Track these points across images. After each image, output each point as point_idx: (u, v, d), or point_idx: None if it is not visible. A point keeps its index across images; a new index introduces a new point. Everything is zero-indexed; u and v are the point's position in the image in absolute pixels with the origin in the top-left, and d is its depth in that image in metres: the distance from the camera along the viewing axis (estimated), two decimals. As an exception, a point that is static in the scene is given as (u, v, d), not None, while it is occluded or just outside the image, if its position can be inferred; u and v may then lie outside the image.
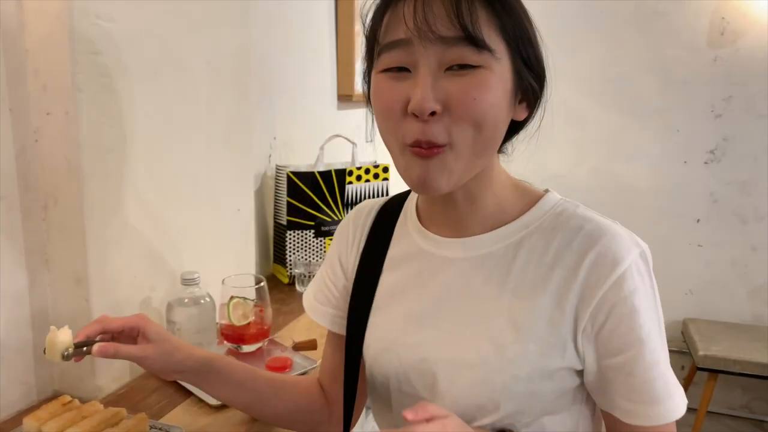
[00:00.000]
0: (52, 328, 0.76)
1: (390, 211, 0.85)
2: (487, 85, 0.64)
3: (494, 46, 0.64)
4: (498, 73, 0.65)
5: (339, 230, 0.90)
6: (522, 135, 0.76)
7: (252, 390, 0.86)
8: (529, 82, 0.69)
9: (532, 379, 0.69)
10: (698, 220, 2.97)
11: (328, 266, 0.89)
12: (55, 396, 1.04)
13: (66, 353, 0.76)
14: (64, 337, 0.76)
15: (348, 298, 0.86)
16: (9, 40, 0.94)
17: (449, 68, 0.64)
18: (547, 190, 0.77)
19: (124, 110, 1.04)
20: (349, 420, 0.86)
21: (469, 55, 0.63)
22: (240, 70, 1.37)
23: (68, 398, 0.92)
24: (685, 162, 2.94)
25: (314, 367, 1.14)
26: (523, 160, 0.82)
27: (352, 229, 0.87)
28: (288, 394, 0.89)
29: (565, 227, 0.71)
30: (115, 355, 0.78)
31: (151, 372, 0.87)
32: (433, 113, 0.63)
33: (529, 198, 0.75)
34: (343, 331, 0.87)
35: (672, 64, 2.88)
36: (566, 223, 0.71)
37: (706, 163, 2.91)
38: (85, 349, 0.77)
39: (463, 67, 0.64)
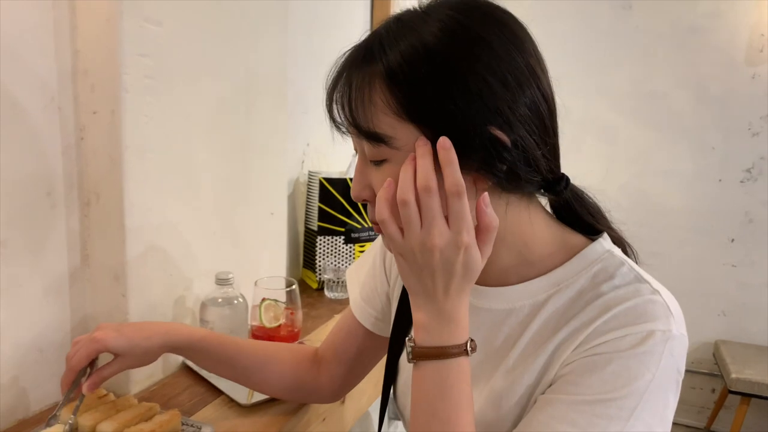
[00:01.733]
0: None
1: None
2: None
3: (394, 133, 0.59)
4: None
5: None
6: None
7: (233, 366, 0.91)
8: (471, 155, 0.58)
9: None
10: (732, 240, 2.91)
11: (373, 267, 0.90)
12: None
13: (67, 428, 0.82)
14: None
15: (386, 303, 0.88)
16: (61, 41, 0.97)
17: None
18: (594, 238, 0.68)
19: (166, 112, 1.06)
20: (383, 418, 0.89)
21: (370, 149, 0.61)
22: (277, 77, 1.39)
23: (104, 392, 0.94)
24: (720, 180, 2.90)
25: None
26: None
27: None
28: (274, 367, 0.92)
29: (594, 291, 0.63)
30: (103, 381, 0.84)
31: None
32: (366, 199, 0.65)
33: (569, 250, 0.67)
34: (376, 330, 0.89)
35: (708, 80, 2.84)
36: (597, 286, 0.63)
37: (742, 182, 2.86)
38: (79, 398, 0.84)
39: (373, 161, 0.62)
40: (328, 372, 0.93)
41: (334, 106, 0.64)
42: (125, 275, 1.02)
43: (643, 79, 2.96)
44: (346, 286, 1.62)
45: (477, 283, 0.69)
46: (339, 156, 1.89)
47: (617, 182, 3.08)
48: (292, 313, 1.23)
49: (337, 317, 1.50)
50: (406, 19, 0.60)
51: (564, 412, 0.57)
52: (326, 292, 1.64)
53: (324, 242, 1.68)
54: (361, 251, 1.72)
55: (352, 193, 0.66)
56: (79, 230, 1.03)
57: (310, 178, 1.71)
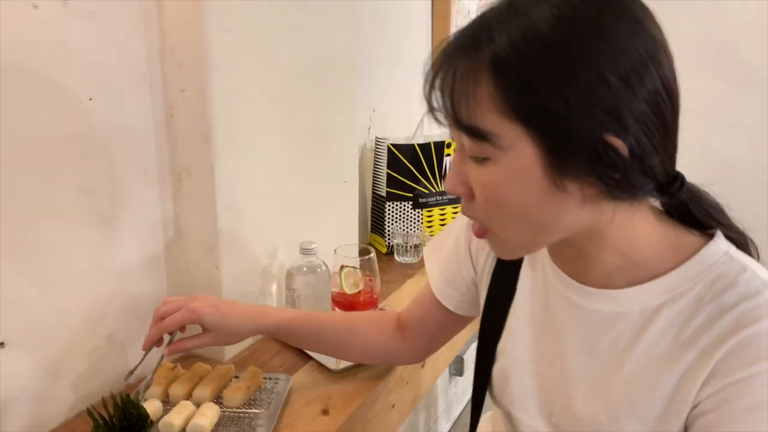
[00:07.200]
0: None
1: None
2: (496, 185, 0.58)
3: (499, 131, 0.55)
4: (508, 165, 0.56)
5: None
6: None
7: (321, 342, 0.97)
8: (581, 160, 0.54)
9: None
10: (807, 196, 2.79)
11: (456, 251, 0.87)
12: (186, 356, 1.11)
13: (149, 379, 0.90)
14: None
15: (472, 287, 0.86)
16: (149, 20, 0.98)
17: None
18: (711, 235, 0.63)
19: (249, 87, 1.08)
20: (475, 426, 0.89)
21: (471, 146, 0.58)
22: (348, 45, 1.38)
23: (171, 364, 1.00)
24: (794, 132, 2.76)
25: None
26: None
27: None
28: (360, 338, 0.97)
29: (716, 301, 0.58)
30: (185, 351, 0.91)
31: None
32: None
33: (683, 252, 0.62)
34: (460, 312, 0.89)
35: (785, 28, 2.68)
36: (719, 295, 0.58)
37: (818, 134, 2.72)
38: (162, 357, 0.89)
39: (473, 157, 0.59)
40: (411, 339, 0.96)
41: (434, 93, 0.60)
42: (218, 247, 1.06)
43: (713, 27, 2.82)
44: (414, 250, 1.64)
45: (580, 281, 0.68)
46: (405, 121, 1.88)
47: (681, 135, 2.97)
48: (370, 280, 1.25)
49: (410, 282, 1.52)
50: (517, 1, 0.56)
51: None
52: (396, 257, 1.67)
53: (393, 208, 1.69)
54: (429, 216, 1.73)
55: (447, 187, 0.63)
56: (172, 205, 1.07)
57: (377, 144, 1.72)
